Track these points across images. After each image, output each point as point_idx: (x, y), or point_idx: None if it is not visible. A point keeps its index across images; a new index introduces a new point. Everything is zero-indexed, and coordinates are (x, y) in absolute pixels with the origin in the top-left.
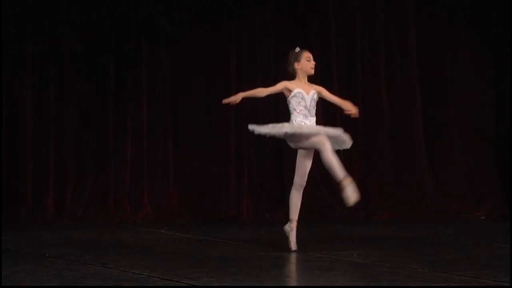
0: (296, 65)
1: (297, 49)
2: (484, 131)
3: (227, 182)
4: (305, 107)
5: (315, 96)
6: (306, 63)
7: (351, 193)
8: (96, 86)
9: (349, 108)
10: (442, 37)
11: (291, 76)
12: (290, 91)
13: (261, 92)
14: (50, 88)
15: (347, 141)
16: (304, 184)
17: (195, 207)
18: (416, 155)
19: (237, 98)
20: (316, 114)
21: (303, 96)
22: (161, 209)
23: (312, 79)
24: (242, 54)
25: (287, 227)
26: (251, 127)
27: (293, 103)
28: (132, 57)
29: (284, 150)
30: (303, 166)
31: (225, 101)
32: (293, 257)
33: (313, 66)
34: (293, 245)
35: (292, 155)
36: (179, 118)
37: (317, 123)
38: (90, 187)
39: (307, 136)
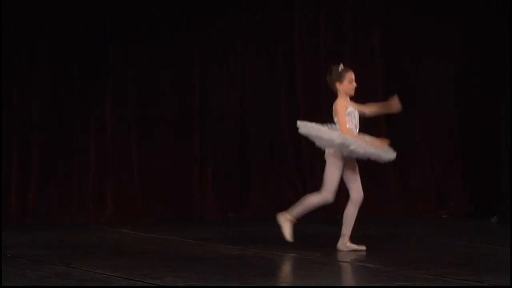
0: (338, 85)
1: (341, 67)
2: (450, 132)
3: (192, 181)
4: (356, 125)
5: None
6: (348, 85)
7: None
8: (60, 85)
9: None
10: (409, 36)
11: (331, 88)
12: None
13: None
14: (13, 86)
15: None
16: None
17: (159, 206)
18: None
19: None
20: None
21: (355, 115)
22: (125, 209)
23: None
24: (209, 54)
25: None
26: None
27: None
28: (96, 56)
29: (248, 150)
30: (356, 178)
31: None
32: (257, 256)
33: (354, 88)
34: (359, 246)
35: (255, 153)
36: (144, 118)
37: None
38: (54, 186)
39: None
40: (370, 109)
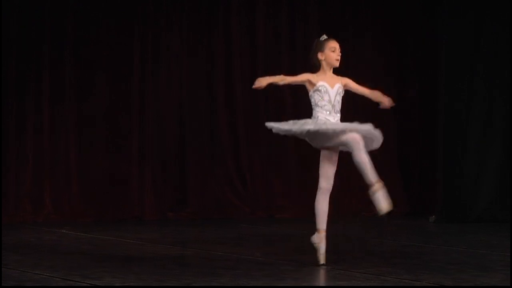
0: (319, 55)
1: (323, 37)
2: (386, 131)
3: (130, 181)
4: (329, 101)
5: (341, 90)
6: (330, 53)
7: (382, 200)
8: None
9: (380, 98)
10: (343, 30)
11: (315, 67)
12: (313, 84)
13: (283, 79)
14: None
15: (377, 138)
16: (331, 188)
17: (98, 207)
18: (318, 155)
19: (261, 84)
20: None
21: (327, 90)
22: (63, 209)
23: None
24: (146, 53)
25: (315, 238)
26: (269, 124)
27: (316, 97)
28: (33, 54)
29: (187, 150)
30: (329, 168)
31: (254, 87)
32: (196, 256)
33: (338, 58)
34: (322, 258)
35: (194, 153)
36: (81, 118)
37: (342, 120)
38: None
39: (333, 134)
40: (359, 90)
